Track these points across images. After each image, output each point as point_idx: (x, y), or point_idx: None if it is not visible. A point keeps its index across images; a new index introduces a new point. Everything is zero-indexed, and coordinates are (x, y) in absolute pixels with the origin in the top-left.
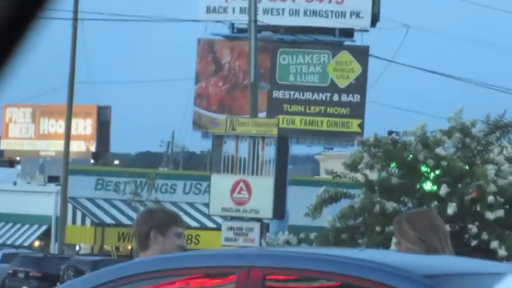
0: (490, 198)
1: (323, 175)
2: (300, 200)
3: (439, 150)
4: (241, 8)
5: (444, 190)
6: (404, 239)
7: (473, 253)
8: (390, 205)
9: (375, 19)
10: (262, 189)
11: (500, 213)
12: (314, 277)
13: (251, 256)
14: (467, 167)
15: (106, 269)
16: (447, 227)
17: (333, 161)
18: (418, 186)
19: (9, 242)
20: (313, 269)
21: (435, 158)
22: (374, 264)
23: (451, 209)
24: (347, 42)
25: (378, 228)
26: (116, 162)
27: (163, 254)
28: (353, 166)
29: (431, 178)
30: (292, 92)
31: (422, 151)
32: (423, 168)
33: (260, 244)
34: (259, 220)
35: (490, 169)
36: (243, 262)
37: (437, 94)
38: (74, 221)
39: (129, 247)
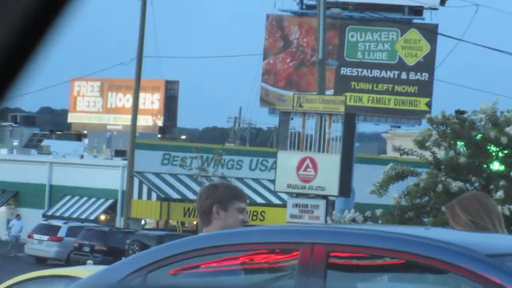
0: None
1: (389, 154)
2: (366, 178)
3: (510, 129)
4: None
5: None
6: (457, 223)
7: None
8: (456, 184)
9: None
10: (328, 167)
11: None
12: (378, 255)
13: (315, 233)
14: None
15: (169, 243)
16: None
17: (400, 139)
18: (485, 166)
19: (75, 216)
20: (377, 247)
21: (504, 137)
22: (437, 243)
23: None
24: (416, 20)
25: (443, 208)
26: (183, 137)
27: (226, 229)
28: (422, 143)
29: (499, 157)
30: (360, 70)
31: (491, 130)
32: (492, 148)
33: (326, 221)
34: (324, 197)
35: None
36: (307, 238)
37: (506, 74)
38: (140, 196)
39: (195, 222)
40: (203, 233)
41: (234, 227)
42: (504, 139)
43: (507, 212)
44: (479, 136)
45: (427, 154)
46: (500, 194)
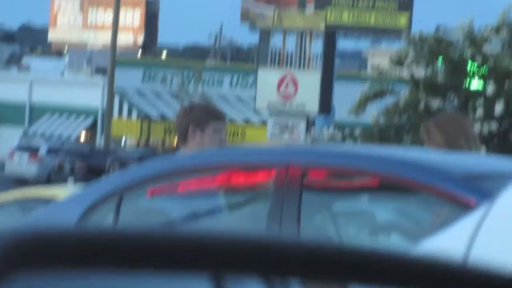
0: None
1: (370, 71)
2: (346, 96)
3: (487, 48)
4: None
5: (491, 88)
6: (432, 143)
7: None
8: (435, 102)
9: None
10: (309, 84)
11: None
12: (353, 175)
13: (290, 153)
14: None
15: (147, 163)
16: (494, 125)
17: (381, 57)
18: (464, 84)
19: (55, 134)
20: (352, 167)
21: (482, 55)
22: (413, 162)
23: (499, 107)
24: None
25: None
26: (164, 54)
27: (202, 149)
28: (399, 62)
29: (478, 75)
30: None
31: (469, 48)
32: (470, 66)
33: (306, 138)
34: (305, 115)
35: None
36: (281, 158)
37: None
38: (120, 114)
39: (175, 141)
40: (180, 154)
41: (211, 147)
42: (478, 58)
43: (486, 131)
44: (456, 55)
45: (405, 73)
46: (479, 112)
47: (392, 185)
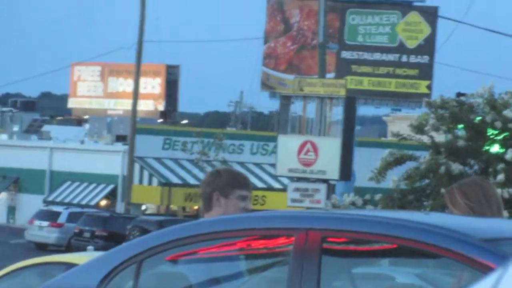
0: None
1: (390, 137)
2: (367, 162)
3: (507, 113)
4: None
5: (510, 154)
6: (455, 208)
7: None
8: (456, 167)
9: None
10: (329, 150)
11: None
12: (373, 240)
13: (309, 218)
14: None
15: (165, 229)
16: None
17: (401, 122)
18: (484, 149)
19: (76, 201)
20: (372, 232)
21: (502, 120)
22: (431, 227)
23: None
24: (416, 3)
25: (443, 190)
26: (184, 121)
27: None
28: (419, 127)
29: (498, 140)
30: (360, 53)
31: (489, 113)
32: (490, 131)
33: (326, 205)
34: (325, 181)
35: None
36: (301, 224)
37: (507, 56)
38: (141, 181)
39: (196, 207)
40: (200, 219)
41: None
42: (498, 123)
43: (507, 195)
44: (477, 119)
45: (425, 139)
46: (500, 177)
47: (412, 249)
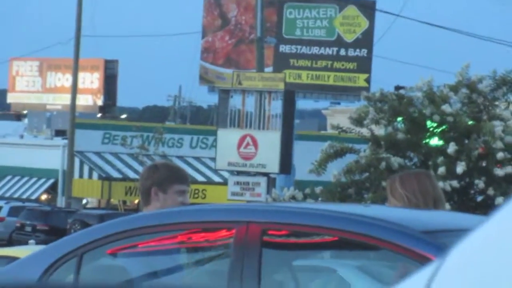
0: (500, 155)
1: (330, 130)
2: (306, 155)
3: (445, 107)
4: None
5: (452, 148)
6: (393, 196)
7: (478, 209)
8: (395, 160)
9: None
10: (269, 144)
11: (510, 169)
12: (312, 233)
13: (250, 211)
14: (473, 123)
15: (106, 223)
16: (455, 183)
17: (340, 116)
18: (424, 142)
19: (16, 196)
20: (311, 225)
21: (441, 113)
22: (371, 220)
23: (460, 168)
24: None
25: (383, 183)
26: (123, 116)
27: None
28: (358, 120)
29: (438, 133)
30: (298, 47)
31: (428, 106)
32: (430, 124)
33: (266, 199)
34: (266, 174)
35: (498, 125)
36: (241, 217)
37: (444, 49)
38: (81, 175)
39: (136, 201)
40: (140, 213)
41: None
42: (436, 117)
43: (449, 188)
44: (416, 113)
45: (365, 131)
46: (441, 170)
47: (352, 242)
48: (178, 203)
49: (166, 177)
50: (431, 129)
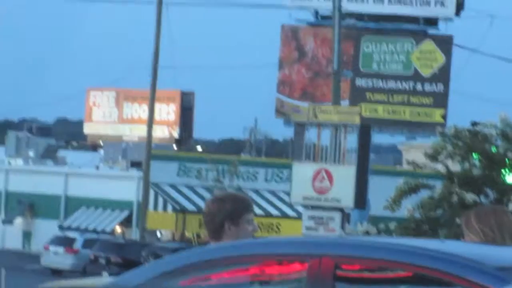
0: None
1: (405, 166)
2: (382, 190)
3: None
4: None
5: None
6: (469, 231)
7: None
8: (470, 197)
9: (459, 8)
10: (344, 178)
11: None
12: (387, 267)
13: (323, 245)
14: None
15: (178, 255)
16: None
17: (416, 151)
18: (500, 178)
19: (91, 227)
20: (385, 259)
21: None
22: (445, 255)
23: None
24: (431, 31)
25: (458, 220)
26: (199, 148)
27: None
28: (434, 156)
29: None
30: (375, 81)
31: (502, 144)
32: (507, 160)
33: (340, 233)
34: (340, 209)
35: None
36: (314, 250)
37: None
38: (155, 207)
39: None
40: (213, 245)
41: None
42: (510, 154)
43: None
44: (493, 149)
45: (440, 167)
46: None
47: (426, 277)
48: (250, 233)
49: (236, 209)
50: (508, 165)
